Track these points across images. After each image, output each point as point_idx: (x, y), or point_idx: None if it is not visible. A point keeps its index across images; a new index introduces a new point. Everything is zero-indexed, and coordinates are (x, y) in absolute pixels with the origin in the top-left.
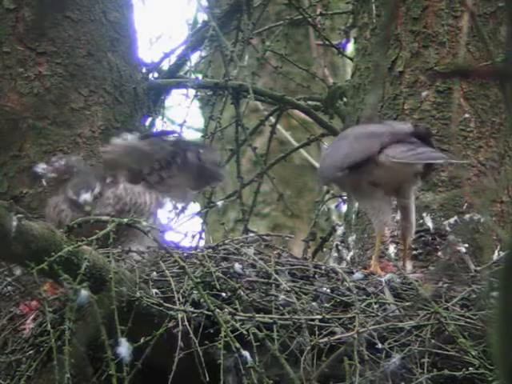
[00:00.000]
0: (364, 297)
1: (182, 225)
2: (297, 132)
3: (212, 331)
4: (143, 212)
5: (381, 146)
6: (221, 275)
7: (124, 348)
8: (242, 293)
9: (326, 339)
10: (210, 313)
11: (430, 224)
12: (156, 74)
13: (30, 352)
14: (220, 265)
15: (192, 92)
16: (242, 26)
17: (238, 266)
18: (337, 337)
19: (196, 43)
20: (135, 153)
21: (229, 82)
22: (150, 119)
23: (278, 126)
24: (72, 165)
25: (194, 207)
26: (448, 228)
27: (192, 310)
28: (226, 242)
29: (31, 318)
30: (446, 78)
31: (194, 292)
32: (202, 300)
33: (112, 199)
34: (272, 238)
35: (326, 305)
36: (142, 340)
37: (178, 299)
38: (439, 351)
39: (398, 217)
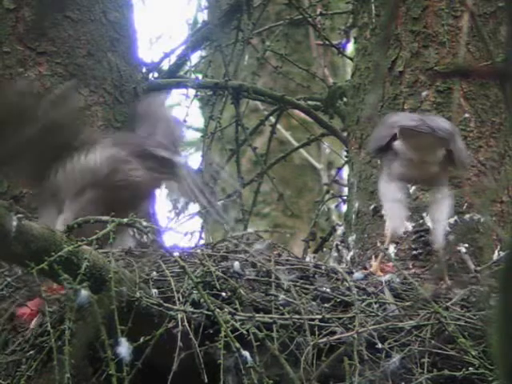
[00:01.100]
0: (364, 297)
1: (181, 225)
2: (297, 132)
3: (212, 331)
4: None
5: (392, 134)
6: (221, 274)
7: (124, 348)
8: (242, 292)
9: (325, 339)
10: (209, 313)
11: (430, 224)
12: (156, 74)
13: (31, 352)
14: (220, 264)
15: (192, 92)
16: (242, 25)
17: (237, 265)
18: (336, 337)
19: (196, 43)
20: None
21: (229, 81)
22: None
23: (278, 126)
24: None
25: (194, 207)
26: (448, 228)
27: (192, 310)
28: (227, 238)
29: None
30: (446, 78)
31: (194, 292)
32: (202, 300)
33: None
34: (272, 238)
35: (326, 304)
36: (141, 340)
37: (178, 299)
38: (439, 351)
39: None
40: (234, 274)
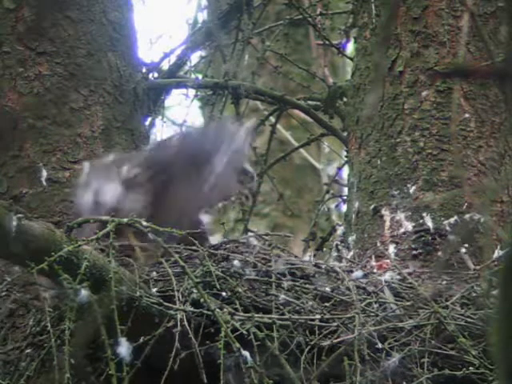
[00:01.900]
0: (364, 296)
1: None
2: (297, 132)
3: (212, 331)
4: None
5: None
6: (221, 274)
7: (124, 348)
8: (241, 290)
9: (329, 342)
10: (209, 312)
11: (430, 224)
12: (156, 74)
13: (30, 351)
14: (220, 264)
15: (192, 92)
16: (242, 25)
17: (237, 263)
18: (340, 339)
19: (196, 43)
20: None
21: (229, 81)
22: (149, 119)
23: (278, 126)
24: None
25: None
26: (448, 228)
27: (192, 309)
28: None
29: None
30: (446, 78)
31: (194, 291)
32: (202, 300)
33: None
34: (272, 238)
35: (326, 304)
36: (141, 340)
37: (178, 298)
38: (439, 351)
39: (398, 217)
40: (235, 274)
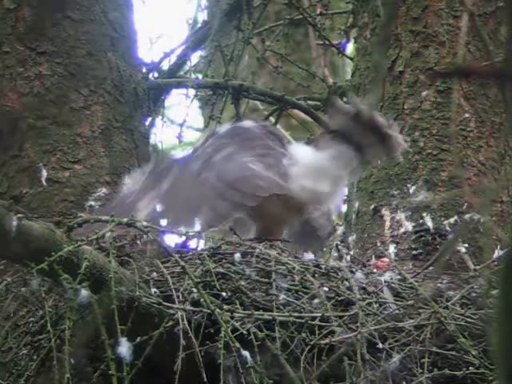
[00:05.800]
0: (365, 296)
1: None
2: (297, 132)
3: (212, 331)
4: None
5: None
6: (221, 271)
7: (124, 348)
8: (243, 284)
9: (327, 340)
10: (209, 311)
11: (430, 224)
12: (156, 74)
13: (30, 351)
14: (220, 263)
15: (192, 92)
16: (242, 25)
17: (237, 257)
18: (339, 338)
19: (196, 43)
20: None
21: (229, 81)
22: (149, 119)
23: (278, 126)
24: None
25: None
26: (448, 228)
27: (192, 309)
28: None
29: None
30: (446, 78)
31: (194, 291)
32: (202, 300)
33: None
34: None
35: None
36: (138, 340)
37: (178, 297)
38: (439, 351)
39: (398, 217)
40: (235, 274)
